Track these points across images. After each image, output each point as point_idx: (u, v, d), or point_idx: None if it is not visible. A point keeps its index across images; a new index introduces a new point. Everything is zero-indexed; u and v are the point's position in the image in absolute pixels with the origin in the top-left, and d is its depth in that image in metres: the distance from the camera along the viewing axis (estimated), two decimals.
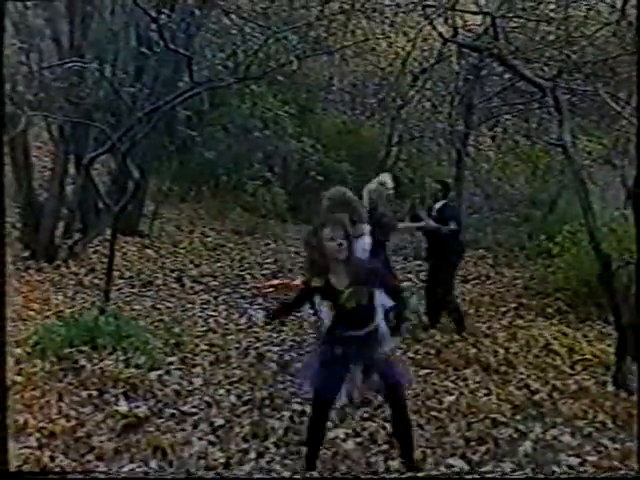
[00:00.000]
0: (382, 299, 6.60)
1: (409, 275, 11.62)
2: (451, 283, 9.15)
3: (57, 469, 4.96)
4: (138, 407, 6.15)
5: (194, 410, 6.23)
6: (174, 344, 7.85)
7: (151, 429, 5.81)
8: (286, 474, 5.07)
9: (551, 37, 10.95)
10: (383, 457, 5.40)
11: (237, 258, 12.68)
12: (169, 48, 8.73)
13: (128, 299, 9.87)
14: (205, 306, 9.83)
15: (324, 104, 18.61)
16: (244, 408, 6.30)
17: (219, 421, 5.98)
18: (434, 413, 6.29)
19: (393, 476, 4.20)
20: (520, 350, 8.11)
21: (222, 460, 5.25)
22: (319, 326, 7.34)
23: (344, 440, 5.65)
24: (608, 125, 14.77)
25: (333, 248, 4.93)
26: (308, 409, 6.22)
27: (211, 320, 9.11)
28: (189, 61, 8.76)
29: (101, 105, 11.43)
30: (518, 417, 6.19)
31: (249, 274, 11.70)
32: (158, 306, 9.67)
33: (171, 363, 7.28)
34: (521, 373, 7.42)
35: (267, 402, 6.42)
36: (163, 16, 8.20)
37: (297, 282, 9.04)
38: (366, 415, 6.23)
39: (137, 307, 9.46)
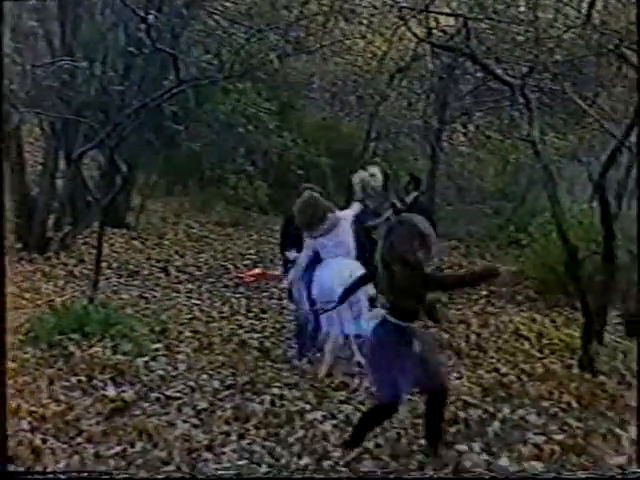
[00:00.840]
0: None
1: None
2: None
3: (48, 451, 4.96)
4: (125, 392, 6.15)
5: (178, 394, 6.23)
6: (160, 331, 7.86)
7: (137, 413, 5.81)
8: (266, 456, 5.08)
9: (521, 38, 10.98)
10: None
11: (220, 249, 12.70)
12: (156, 47, 8.71)
13: (116, 288, 9.88)
14: (189, 295, 9.84)
15: (304, 101, 18.57)
16: (226, 392, 6.31)
17: (202, 405, 5.99)
18: (408, 396, 6.32)
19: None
20: (491, 335, 8.18)
21: (205, 442, 5.25)
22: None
23: (321, 422, 5.67)
24: (575, 123, 14.85)
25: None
26: (287, 393, 6.29)
27: (195, 308, 9.13)
28: (175, 60, 8.74)
29: (91, 102, 11.40)
30: (488, 399, 6.21)
31: (232, 264, 11.72)
32: (144, 295, 9.68)
33: (157, 350, 7.28)
34: (491, 357, 7.48)
35: (248, 387, 6.42)
36: (151, 16, 8.17)
37: (277, 272, 9.13)
38: (342, 398, 6.26)
39: (124, 296, 9.46)
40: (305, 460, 4.99)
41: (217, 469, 4.85)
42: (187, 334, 7.97)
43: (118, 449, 5.06)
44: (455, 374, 6.92)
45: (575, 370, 6.91)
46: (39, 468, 4.73)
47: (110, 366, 6.55)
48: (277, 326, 8.54)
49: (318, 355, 7.29)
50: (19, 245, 10.92)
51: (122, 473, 4.28)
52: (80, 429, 5.38)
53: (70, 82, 10.43)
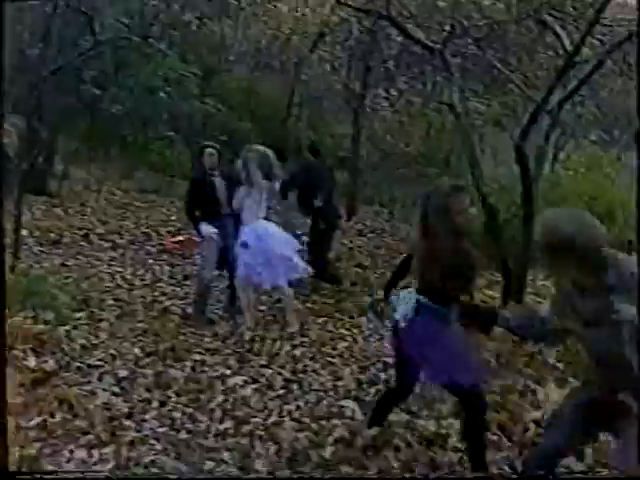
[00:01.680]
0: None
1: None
2: (326, 244, 9.00)
3: None
4: (46, 362, 6.05)
5: (100, 363, 6.15)
6: (81, 300, 7.74)
7: (58, 383, 5.74)
8: (187, 422, 5.09)
9: (442, 3, 11.03)
10: (280, 402, 5.47)
11: (143, 216, 12.53)
12: (73, 8, 8.52)
13: (37, 257, 9.68)
14: (112, 263, 9.70)
15: (228, 65, 18.39)
16: (148, 360, 6.26)
17: (123, 373, 5.93)
18: (329, 359, 6.40)
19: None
20: None
21: (125, 410, 5.23)
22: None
23: (242, 387, 5.70)
24: (498, 88, 15.02)
25: None
26: (208, 358, 6.29)
27: (117, 276, 9.01)
28: (91, 20, 8.56)
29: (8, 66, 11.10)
30: None
31: (155, 231, 11.59)
32: (66, 263, 9.50)
33: (78, 318, 7.17)
34: None
35: (170, 353, 6.39)
36: None
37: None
38: (263, 362, 6.29)
39: (46, 265, 9.27)
40: (225, 425, 5.01)
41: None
42: (109, 302, 7.87)
43: (39, 420, 5.00)
44: (376, 336, 7.00)
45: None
46: None
47: (31, 336, 6.44)
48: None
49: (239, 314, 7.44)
50: None
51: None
52: None
53: None
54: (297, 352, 6.58)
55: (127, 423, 5.03)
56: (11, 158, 10.68)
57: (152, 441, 4.76)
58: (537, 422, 4.96)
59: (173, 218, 12.44)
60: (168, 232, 11.47)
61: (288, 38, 16.35)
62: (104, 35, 9.33)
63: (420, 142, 16.56)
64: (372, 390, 5.62)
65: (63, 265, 9.42)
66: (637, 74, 7.15)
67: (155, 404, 5.38)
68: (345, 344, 6.79)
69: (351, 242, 11.34)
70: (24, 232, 9.42)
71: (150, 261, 9.93)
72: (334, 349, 6.66)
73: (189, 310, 7.65)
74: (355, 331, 7.20)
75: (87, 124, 14.80)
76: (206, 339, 6.87)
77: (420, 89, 16.37)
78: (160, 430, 4.92)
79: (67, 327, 6.81)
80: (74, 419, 5.06)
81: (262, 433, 4.88)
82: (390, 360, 5.70)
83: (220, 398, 5.45)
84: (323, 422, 5.07)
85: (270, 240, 7.12)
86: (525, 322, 3.72)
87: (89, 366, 6.09)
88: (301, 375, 6.05)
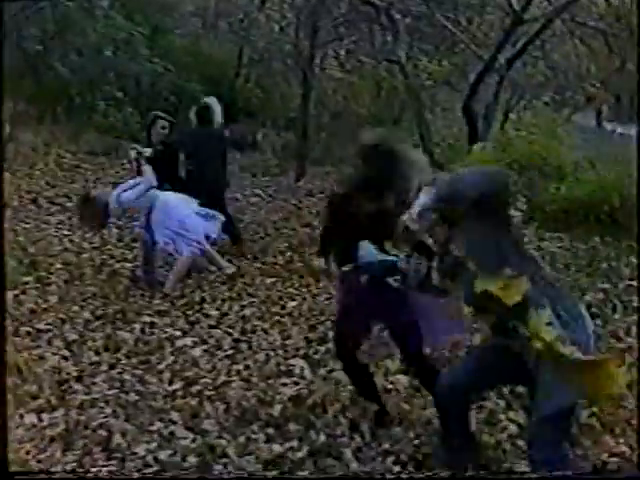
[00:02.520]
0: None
1: None
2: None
3: None
4: None
5: (49, 327, 6.13)
6: (29, 263, 7.69)
7: (7, 348, 5.69)
8: (136, 384, 5.10)
9: None
10: (229, 362, 5.50)
11: (92, 179, 12.36)
12: None
13: None
14: (60, 226, 9.58)
15: (175, 24, 18.11)
16: (97, 323, 6.25)
17: (72, 336, 5.91)
18: (278, 318, 6.44)
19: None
20: None
21: (74, 374, 5.22)
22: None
23: (192, 347, 5.73)
24: (448, 48, 15.04)
25: None
26: (158, 320, 6.30)
27: (66, 240, 8.91)
28: None
29: None
30: None
31: None
32: (14, 228, 9.36)
33: (26, 283, 7.13)
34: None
35: (119, 316, 6.38)
36: None
37: None
38: (212, 323, 6.31)
39: None
40: (175, 386, 5.03)
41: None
42: (58, 266, 7.79)
43: None
44: (326, 295, 7.01)
45: None
46: None
47: None
48: None
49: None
50: None
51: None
52: None
53: None
54: (246, 312, 6.60)
55: (76, 387, 5.04)
56: None
57: (101, 404, 4.77)
58: None
59: (122, 180, 12.29)
60: None
61: None
62: None
63: (370, 102, 16.53)
64: (322, 348, 5.66)
65: (11, 230, 9.29)
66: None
67: (104, 367, 5.39)
68: (294, 303, 6.82)
69: (300, 202, 11.35)
70: None
71: None
72: (283, 308, 6.68)
73: (138, 272, 7.62)
74: (304, 290, 7.23)
75: (33, 84, 14.48)
76: (155, 301, 6.86)
77: (369, 50, 16.32)
78: (110, 393, 4.93)
79: (15, 291, 6.75)
80: (23, 384, 5.05)
81: (211, 393, 4.91)
82: None
83: (169, 359, 5.47)
84: (271, 381, 5.11)
85: (171, 211, 7.26)
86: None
87: (38, 330, 6.06)
88: (250, 335, 6.07)
